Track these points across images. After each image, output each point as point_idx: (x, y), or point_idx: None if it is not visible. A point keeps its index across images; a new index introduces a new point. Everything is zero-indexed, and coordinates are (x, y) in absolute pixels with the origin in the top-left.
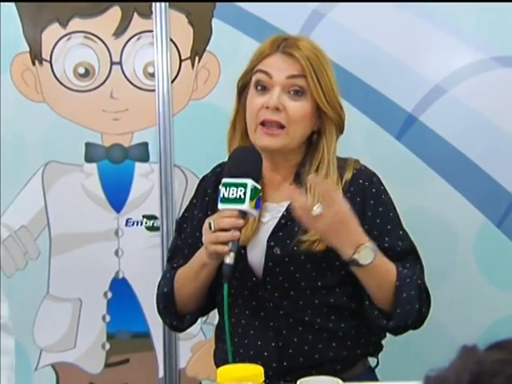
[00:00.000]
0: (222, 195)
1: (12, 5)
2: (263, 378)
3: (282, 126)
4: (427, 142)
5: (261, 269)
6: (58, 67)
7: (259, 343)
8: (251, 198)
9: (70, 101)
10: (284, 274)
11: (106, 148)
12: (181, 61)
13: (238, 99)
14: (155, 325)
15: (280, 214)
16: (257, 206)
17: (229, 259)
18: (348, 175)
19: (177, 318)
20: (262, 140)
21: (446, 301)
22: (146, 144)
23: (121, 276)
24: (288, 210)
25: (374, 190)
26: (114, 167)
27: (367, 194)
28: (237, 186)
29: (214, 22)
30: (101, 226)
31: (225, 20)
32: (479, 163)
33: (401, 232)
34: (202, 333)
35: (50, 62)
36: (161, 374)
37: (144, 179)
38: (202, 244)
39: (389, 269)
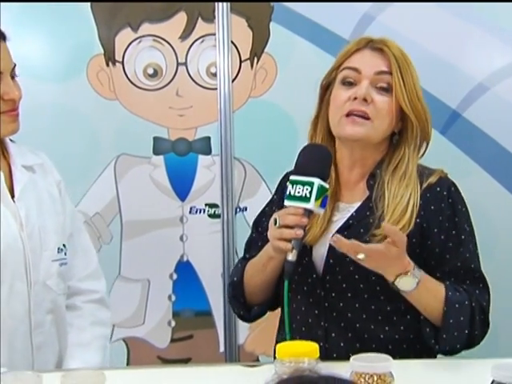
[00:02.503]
0: (288, 192)
1: (88, 11)
2: (318, 355)
3: (367, 118)
4: (470, 136)
5: (322, 265)
6: (129, 68)
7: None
8: (317, 198)
9: (140, 98)
10: (343, 273)
11: (172, 142)
12: (241, 61)
13: (321, 99)
14: (216, 304)
15: (349, 214)
16: (322, 205)
17: (291, 256)
18: (427, 182)
19: (245, 308)
20: (345, 129)
21: None
22: (208, 138)
23: (185, 259)
24: (358, 210)
25: (450, 200)
26: (180, 159)
27: (444, 203)
28: (303, 184)
29: (272, 25)
30: (167, 213)
31: (282, 24)
32: None
33: (472, 246)
34: None
35: (122, 63)
36: (221, 349)
37: (206, 170)
38: None
39: (435, 295)
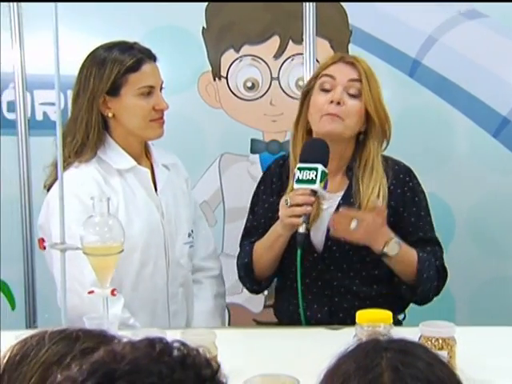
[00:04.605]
0: (297, 177)
1: (200, 36)
2: (392, 321)
3: (341, 118)
4: None
5: (321, 247)
6: (232, 82)
7: (315, 306)
8: (321, 180)
9: (240, 107)
10: (340, 251)
11: (266, 143)
12: None
13: (302, 103)
14: None
15: (337, 203)
16: (325, 187)
17: (302, 229)
18: (393, 170)
19: (255, 283)
20: (324, 126)
21: None
22: None
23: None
24: (343, 198)
25: (411, 184)
26: (272, 157)
27: (406, 187)
28: (309, 169)
29: (351, 46)
30: None
31: (359, 44)
32: None
33: (429, 219)
34: None
35: (226, 78)
36: None
37: None
38: (274, 222)
39: (411, 257)
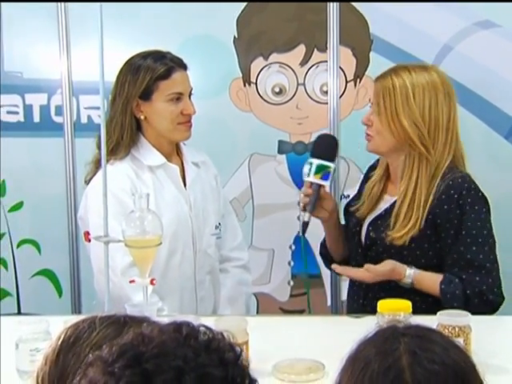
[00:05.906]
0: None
1: (231, 45)
2: (411, 310)
3: (371, 136)
4: None
5: (364, 244)
6: (261, 87)
7: (355, 298)
8: (315, 173)
9: (269, 111)
10: (375, 251)
11: (293, 144)
12: (346, 82)
13: None
14: (325, 269)
15: (389, 204)
16: (324, 178)
17: (305, 217)
18: (444, 185)
19: (328, 262)
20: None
21: None
22: None
23: (301, 234)
24: (391, 204)
25: (461, 202)
26: (298, 157)
27: (454, 204)
28: (308, 163)
29: (372, 54)
30: (287, 198)
31: (379, 52)
32: None
33: (481, 240)
34: None
35: (256, 84)
36: (329, 303)
37: None
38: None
39: (430, 288)
